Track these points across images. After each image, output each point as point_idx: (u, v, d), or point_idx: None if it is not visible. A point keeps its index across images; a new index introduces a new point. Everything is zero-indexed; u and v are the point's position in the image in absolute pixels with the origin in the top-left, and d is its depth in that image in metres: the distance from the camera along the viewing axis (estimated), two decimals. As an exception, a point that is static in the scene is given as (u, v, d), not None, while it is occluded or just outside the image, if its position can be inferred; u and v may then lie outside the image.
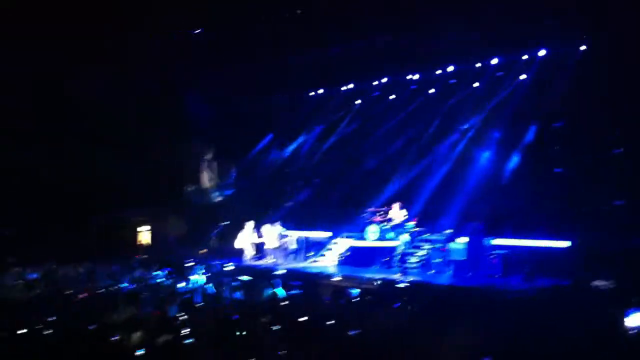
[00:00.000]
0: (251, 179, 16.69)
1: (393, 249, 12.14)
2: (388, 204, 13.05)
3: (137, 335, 6.21)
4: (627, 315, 7.07)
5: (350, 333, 6.36)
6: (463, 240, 11.45)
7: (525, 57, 12.75)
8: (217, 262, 12.69)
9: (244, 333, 6.27)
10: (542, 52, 12.46)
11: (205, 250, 14.05)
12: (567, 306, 8.43)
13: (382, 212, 13.00)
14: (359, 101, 15.77)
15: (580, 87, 11.55)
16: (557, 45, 12.13)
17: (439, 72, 13.94)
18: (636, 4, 10.03)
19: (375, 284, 10.27)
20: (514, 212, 11.87)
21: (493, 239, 11.39)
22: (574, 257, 10.43)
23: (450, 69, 13.73)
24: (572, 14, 10.96)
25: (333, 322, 6.74)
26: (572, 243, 10.66)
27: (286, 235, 13.85)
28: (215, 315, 7.33)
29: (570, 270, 10.00)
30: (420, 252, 12.27)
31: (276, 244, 13.77)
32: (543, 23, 11.33)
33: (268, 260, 13.67)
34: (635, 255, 9.57)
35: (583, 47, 11.85)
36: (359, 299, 9.03)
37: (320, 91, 16.18)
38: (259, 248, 14.04)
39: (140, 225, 16.44)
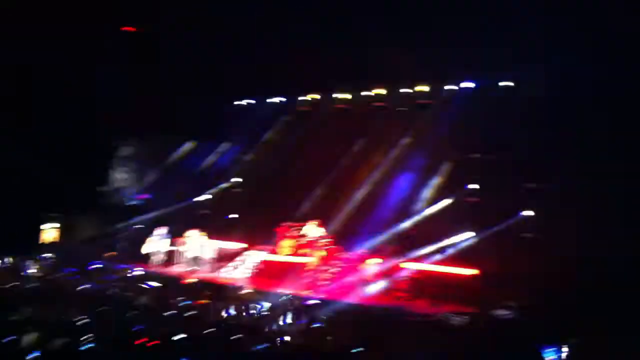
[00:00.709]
0: (169, 184, 16.31)
1: (306, 265, 12.16)
2: (306, 220, 13.08)
3: (30, 337, 5.92)
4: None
5: (257, 348, 6.32)
6: (376, 260, 11.63)
7: (451, 87, 13.04)
8: (125, 266, 12.35)
9: (143, 341, 6.10)
10: (467, 84, 12.74)
11: (113, 253, 13.64)
12: (465, 333, 8.74)
13: (298, 228, 13.00)
14: (285, 115, 15.77)
15: (502, 121, 11.98)
16: (484, 78, 12.45)
17: (365, 93, 14.11)
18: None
19: (285, 299, 10.23)
20: (425, 236, 12.14)
21: (405, 261, 11.59)
22: (480, 285, 10.76)
23: (379, 91, 13.90)
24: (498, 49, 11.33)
25: (239, 335, 6.68)
26: (480, 271, 10.97)
27: (202, 244, 13.65)
28: (116, 320, 7.13)
29: (475, 298, 10.33)
30: (334, 270, 12.30)
31: (192, 252, 13.56)
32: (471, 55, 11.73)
33: (180, 268, 13.41)
34: (542, 284, 9.90)
35: (507, 83, 12.19)
36: (267, 313, 8.99)
37: (251, 101, 16.10)
38: (173, 255, 13.80)
39: (47, 223, 15.77)
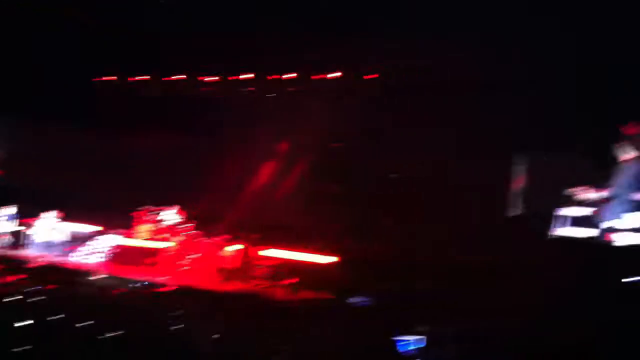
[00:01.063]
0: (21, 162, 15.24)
1: (163, 250, 11.84)
2: (165, 204, 12.73)
3: None
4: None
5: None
6: (235, 247, 11.53)
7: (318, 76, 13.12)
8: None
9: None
10: (334, 75, 12.88)
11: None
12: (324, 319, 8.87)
13: (156, 212, 12.63)
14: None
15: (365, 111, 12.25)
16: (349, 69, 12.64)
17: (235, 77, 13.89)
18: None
19: (138, 285, 9.93)
20: (287, 224, 12.19)
21: (265, 249, 11.54)
22: (339, 272, 10.97)
23: (249, 76, 13.74)
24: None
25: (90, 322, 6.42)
26: (339, 258, 11.17)
27: (55, 226, 12.93)
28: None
29: (334, 285, 10.52)
30: (192, 256, 12.07)
31: (42, 235, 12.82)
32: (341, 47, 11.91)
33: (28, 251, 12.64)
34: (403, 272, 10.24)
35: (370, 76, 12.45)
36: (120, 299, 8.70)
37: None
38: (20, 236, 13.00)
39: None
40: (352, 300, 9.78)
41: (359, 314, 9.38)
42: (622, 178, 8.03)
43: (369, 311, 9.46)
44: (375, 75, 12.44)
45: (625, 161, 8.02)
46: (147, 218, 12.63)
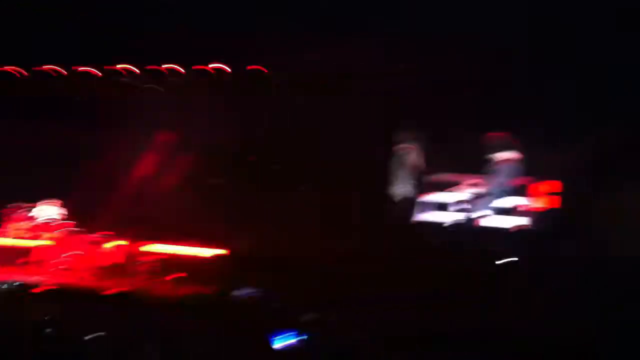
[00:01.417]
0: None
1: (38, 248, 11.36)
2: (40, 200, 12.13)
3: None
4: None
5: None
6: (116, 243, 11.22)
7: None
8: None
9: None
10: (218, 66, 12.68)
11: None
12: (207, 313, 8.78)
13: (30, 208, 12.03)
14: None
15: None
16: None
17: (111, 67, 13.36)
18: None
19: (9, 286, 9.44)
20: (170, 218, 11.94)
21: (149, 244, 11.28)
22: (224, 266, 10.87)
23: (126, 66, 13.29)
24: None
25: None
26: (225, 251, 11.06)
27: None
28: None
29: (219, 279, 10.42)
30: (70, 254, 11.58)
31: None
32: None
33: None
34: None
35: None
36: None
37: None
38: None
39: None
40: (237, 293, 9.72)
41: (244, 307, 9.37)
42: (494, 176, 9.03)
43: (253, 304, 9.47)
44: (263, 70, 12.38)
45: (496, 162, 9.09)
46: (19, 215, 11.98)
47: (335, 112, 11.13)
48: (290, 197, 11.59)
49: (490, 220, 9.32)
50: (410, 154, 9.92)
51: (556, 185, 9.58)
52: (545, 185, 9.60)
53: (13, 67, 13.71)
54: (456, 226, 9.39)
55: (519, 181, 9.51)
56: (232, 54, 12.37)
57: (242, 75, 12.61)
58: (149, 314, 8.51)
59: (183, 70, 13.01)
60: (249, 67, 12.45)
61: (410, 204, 9.82)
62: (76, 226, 11.87)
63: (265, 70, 12.36)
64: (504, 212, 9.42)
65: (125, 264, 11.09)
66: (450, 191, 9.91)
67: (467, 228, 9.23)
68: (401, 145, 9.96)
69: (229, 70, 12.73)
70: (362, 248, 9.79)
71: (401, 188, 9.92)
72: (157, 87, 13.23)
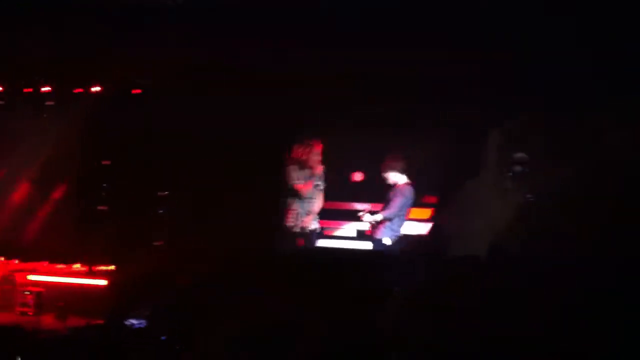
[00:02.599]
0: None
1: None
2: None
3: None
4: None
5: None
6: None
7: (79, 90, 12.46)
8: None
9: None
10: (97, 88, 12.34)
11: None
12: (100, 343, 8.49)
13: None
14: None
15: (131, 126, 11.96)
16: (112, 83, 12.21)
17: None
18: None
19: None
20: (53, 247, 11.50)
21: (28, 274, 10.83)
22: (110, 295, 10.57)
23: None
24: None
25: None
26: (108, 280, 10.76)
27: None
28: None
29: (106, 308, 10.12)
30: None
31: None
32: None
33: None
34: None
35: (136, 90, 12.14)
36: None
37: None
38: None
39: None
40: (130, 321, 9.50)
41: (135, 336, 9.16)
42: (394, 200, 9.44)
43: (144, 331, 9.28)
44: (138, 91, 12.16)
45: (394, 185, 9.51)
46: None
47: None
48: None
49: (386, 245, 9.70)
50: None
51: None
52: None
53: None
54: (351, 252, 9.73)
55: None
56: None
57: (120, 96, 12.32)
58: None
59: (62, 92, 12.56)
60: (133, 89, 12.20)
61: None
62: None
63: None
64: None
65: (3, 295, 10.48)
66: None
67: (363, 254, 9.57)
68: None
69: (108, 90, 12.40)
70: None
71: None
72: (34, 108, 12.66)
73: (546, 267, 6.97)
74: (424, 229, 10.22)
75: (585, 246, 7.50)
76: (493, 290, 6.59)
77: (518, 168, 8.58)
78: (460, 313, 6.33)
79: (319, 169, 9.90)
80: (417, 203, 10.05)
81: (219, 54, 10.71)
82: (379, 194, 10.04)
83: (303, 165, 9.88)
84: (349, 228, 10.66)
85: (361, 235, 10.25)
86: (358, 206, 10.41)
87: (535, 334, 6.10)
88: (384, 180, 9.88)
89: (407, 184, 9.82)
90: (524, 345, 6.09)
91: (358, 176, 10.05)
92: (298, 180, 9.89)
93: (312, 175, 9.88)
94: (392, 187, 9.84)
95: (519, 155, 8.60)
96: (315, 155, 9.84)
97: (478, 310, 6.36)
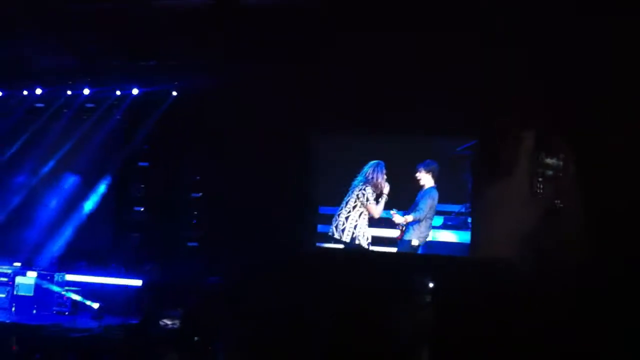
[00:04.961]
0: None
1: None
2: None
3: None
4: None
5: None
6: (32, 274, 10.80)
7: (118, 92, 12.66)
8: None
9: None
10: (135, 91, 12.52)
11: None
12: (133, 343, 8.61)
13: None
14: None
15: (167, 129, 12.11)
16: (151, 85, 12.36)
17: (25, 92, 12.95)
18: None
19: None
20: (90, 248, 11.73)
21: (65, 274, 10.98)
22: (145, 296, 10.72)
23: (38, 91, 12.89)
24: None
25: None
26: (144, 281, 10.90)
27: None
28: None
29: (141, 309, 10.27)
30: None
31: None
32: (139, 62, 11.68)
33: None
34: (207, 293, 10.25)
35: (174, 93, 12.28)
36: None
37: None
38: None
39: None
40: (163, 322, 9.63)
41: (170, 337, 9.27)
42: (423, 202, 9.48)
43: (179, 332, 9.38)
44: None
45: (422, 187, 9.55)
46: None
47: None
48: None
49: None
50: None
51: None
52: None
53: None
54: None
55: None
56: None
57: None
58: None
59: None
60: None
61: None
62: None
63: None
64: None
65: (42, 295, 10.68)
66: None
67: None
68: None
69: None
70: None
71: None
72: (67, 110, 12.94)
73: (572, 271, 6.88)
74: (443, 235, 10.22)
75: (611, 251, 7.33)
76: (520, 293, 6.51)
77: (548, 172, 8.42)
78: (486, 314, 6.27)
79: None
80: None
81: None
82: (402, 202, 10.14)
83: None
84: (376, 232, 10.39)
85: (375, 241, 10.16)
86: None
87: (560, 335, 6.02)
88: (416, 181, 10.00)
89: (433, 187, 9.92)
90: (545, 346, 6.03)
91: (386, 189, 10.05)
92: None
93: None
94: (421, 188, 9.97)
95: (550, 160, 8.42)
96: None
97: (504, 312, 6.29)
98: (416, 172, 9.95)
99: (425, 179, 9.91)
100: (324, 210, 10.86)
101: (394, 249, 10.12)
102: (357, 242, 9.90)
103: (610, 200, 7.63)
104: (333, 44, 9.75)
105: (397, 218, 9.84)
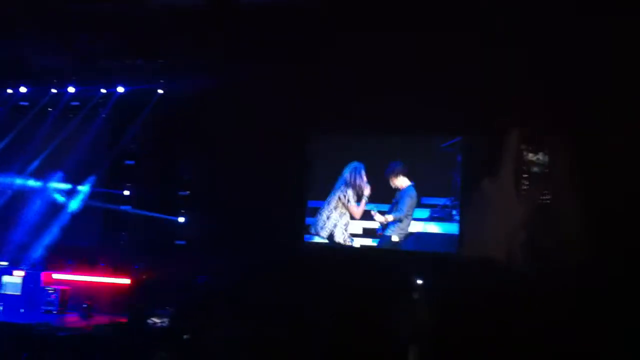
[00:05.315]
0: None
1: None
2: None
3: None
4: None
5: None
6: (19, 273, 10.78)
7: (103, 90, 12.60)
8: None
9: None
10: (120, 89, 12.47)
11: None
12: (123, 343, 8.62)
13: None
14: None
15: (153, 128, 12.09)
16: (136, 83, 12.31)
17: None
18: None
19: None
20: (78, 246, 11.71)
21: (53, 273, 10.98)
22: (133, 294, 10.70)
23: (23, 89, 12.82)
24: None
25: None
26: (132, 279, 10.89)
27: None
28: None
29: (129, 307, 10.25)
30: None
31: None
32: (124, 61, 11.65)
33: None
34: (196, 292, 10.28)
35: (160, 91, 12.23)
36: None
37: None
38: None
39: None
40: (152, 320, 9.64)
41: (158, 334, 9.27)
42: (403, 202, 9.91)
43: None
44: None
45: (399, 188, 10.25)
46: None
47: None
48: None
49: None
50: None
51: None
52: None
53: None
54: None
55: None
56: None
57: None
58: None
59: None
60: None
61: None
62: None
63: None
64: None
65: (30, 294, 10.65)
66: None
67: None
68: None
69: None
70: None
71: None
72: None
73: (561, 267, 6.99)
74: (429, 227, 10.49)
75: (601, 247, 7.45)
76: (508, 290, 6.60)
77: (535, 169, 8.56)
78: (474, 311, 6.36)
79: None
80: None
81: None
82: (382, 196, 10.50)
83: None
84: (356, 225, 10.73)
85: (367, 233, 10.57)
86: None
87: (551, 332, 6.12)
88: (388, 183, 10.39)
89: (411, 185, 10.31)
90: (538, 344, 6.12)
91: (367, 191, 10.40)
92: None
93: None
94: (398, 189, 10.38)
95: (537, 156, 8.58)
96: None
97: (493, 309, 6.38)
98: (388, 180, 10.34)
99: (399, 181, 10.31)
100: (313, 204, 11.06)
101: (374, 242, 10.50)
102: (335, 239, 10.41)
103: (609, 200, 7.74)
104: (333, 44, 9.88)
105: (378, 217, 10.27)
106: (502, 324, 6.40)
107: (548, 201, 8.33)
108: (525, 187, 8.71)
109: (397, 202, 10.26)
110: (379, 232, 10.37)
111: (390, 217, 10.23)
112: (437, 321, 6.61)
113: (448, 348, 6.32)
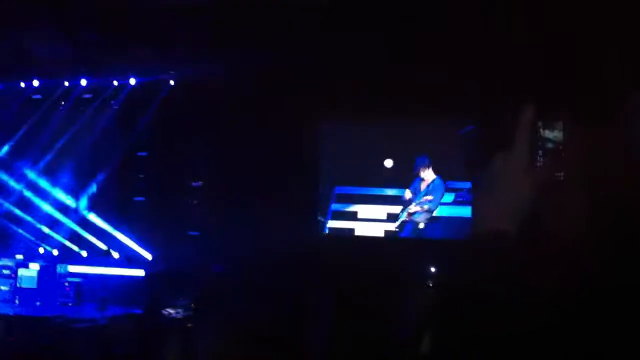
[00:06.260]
0: None
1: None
2: None
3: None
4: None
5: None
6: (35, 266, 10.83)
7: (115, 82, 12.58)
8: None
9: None
10: (132, 81, 12.45)
11: None
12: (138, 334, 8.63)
13: None
14: None
15: (165, 119, 12.06)
16: (148, 75, 12.28)
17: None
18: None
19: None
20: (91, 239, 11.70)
21: (68, 265, 11.04)
22: (149, 286, 10.72)
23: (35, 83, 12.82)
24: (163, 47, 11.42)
25: None
26: (146, 271, 10.91)
27: None
28: None
29: (144, 299, 10.27)
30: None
31: None
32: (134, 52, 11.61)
33: None
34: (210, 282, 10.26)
35: (172, 82, 12.20)
36: None
37: None
38: None
39: None
40: (167, 312, 9.66)
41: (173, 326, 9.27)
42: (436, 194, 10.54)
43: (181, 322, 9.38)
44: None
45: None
46: None
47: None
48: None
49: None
50: None
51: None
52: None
53: None
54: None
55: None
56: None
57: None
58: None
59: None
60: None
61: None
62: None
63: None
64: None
65: (45, 286, 10.71)
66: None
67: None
68: None
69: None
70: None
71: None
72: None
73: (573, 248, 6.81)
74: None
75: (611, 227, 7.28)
76: (519, 271, 6.46)
77: (547, 145, 8.45)
78: (486, 297, 6.23)
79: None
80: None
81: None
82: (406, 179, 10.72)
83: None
84: (381, 211, 10.82)
85: (391, 218, 10.72)
86: (388, 191, 10.85)
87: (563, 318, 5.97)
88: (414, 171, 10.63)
89: (438, 177, 10.59)
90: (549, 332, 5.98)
91: (388, 163, 10.37)
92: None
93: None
94: (423, 179, 10.66)
95: (547, 132, 8.48)
96: None
97: (505, 294, 6.24)
98: (418, 173, 10.64)
99: (428, 174, 10.59)
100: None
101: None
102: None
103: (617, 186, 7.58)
104: (334, 42, 9.90)
105: (413, 207, 10.60)
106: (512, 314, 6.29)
107: (562, 178, 8.17)
108: (539, 164, 8.57)
109: (429, 193, 10.58)
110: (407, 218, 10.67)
111: (425, 207, 10.57)
112: (451, 309, 6.51)
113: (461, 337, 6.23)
